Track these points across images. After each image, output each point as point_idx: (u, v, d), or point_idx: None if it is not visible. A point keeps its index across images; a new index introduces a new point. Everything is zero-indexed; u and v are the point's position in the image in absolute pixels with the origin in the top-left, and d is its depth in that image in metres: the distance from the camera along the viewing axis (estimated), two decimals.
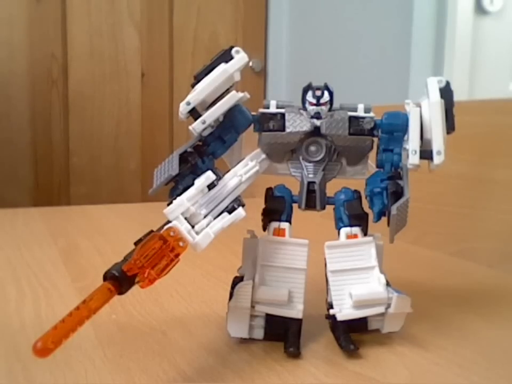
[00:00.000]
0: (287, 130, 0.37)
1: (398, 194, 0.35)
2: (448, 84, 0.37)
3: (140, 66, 1.31)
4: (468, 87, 0.92)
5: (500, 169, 0.61)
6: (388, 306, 0.36)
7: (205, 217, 0.33)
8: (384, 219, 0.36)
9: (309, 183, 0.37)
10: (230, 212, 0.34)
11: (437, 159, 0.36)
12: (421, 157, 0.36)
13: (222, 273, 0.55)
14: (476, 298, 0.50)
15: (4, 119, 1.20)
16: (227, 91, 0.36)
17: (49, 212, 1.00)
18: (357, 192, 0.38)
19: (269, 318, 0.36)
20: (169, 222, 0.32)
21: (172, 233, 0.31)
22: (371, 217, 0.37)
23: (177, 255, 0.30)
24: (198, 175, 0.34)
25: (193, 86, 0.36)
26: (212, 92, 0.35)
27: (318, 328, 0.39)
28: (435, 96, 0.36)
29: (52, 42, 1.23)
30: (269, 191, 0.39)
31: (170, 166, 0.34)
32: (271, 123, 0.38)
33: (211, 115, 0.35)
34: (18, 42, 1.19)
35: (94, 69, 1.27)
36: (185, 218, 0.32)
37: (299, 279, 0.36)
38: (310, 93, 0.37)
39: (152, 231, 0.32)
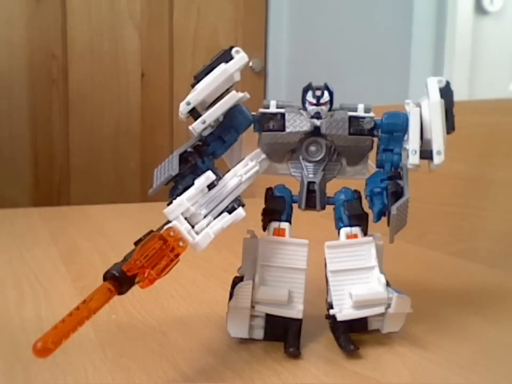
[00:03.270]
0: (287, 130, 0.37)
1: (398, 194, 0.35)
2: (448, 83, 0.37)
3: (140, 66, 1.31)
4: (467, 87, 0.92)
5: (500, 169, 0.61)
6: (388, 306, 0.36)
7: (205, 217, 0.33)
8: (384, 219, 0.36)
9: (309, 183, 0.37)
10: (230, 212, 0.34)
11: (437, 159, 0.36)
12: (421, 157, 0.36)
13: (222, 273, 0.55)
14: (476, 298, 0.50)
15: (4, 119, 1.20)
16: (227, 91, 0.36)
17: (49, 211, 1.00)
18: (357, 192, 0.38)
19: (269, 318, 0.36)
20: (169, 222, 0.32)
21: (171, 233, 0.31)
22: (371, 217, 0.37)
23: (177, 255, 0.30)
24: (198, 175, 0.34)
25: (193, 86, 0.36)
26: (211, 92, 0.35)
27: (318, 328, 0.39)
28: (435, 96, 0.36)
29: (52, 42, 1.23)
30: (269, 191, 0.39)
31: (170, 166, 0.34)
32: (271, 123, 0.38)
33: (211, 115, 0.35)
34: (18, 42, 1.19)
35: (94, 69, 1.27)
36: (185, 218, 0.32)
37: (299, 279, 0.36)
38: (310, 93, 0.37)
39: (152, 231, 0.32)
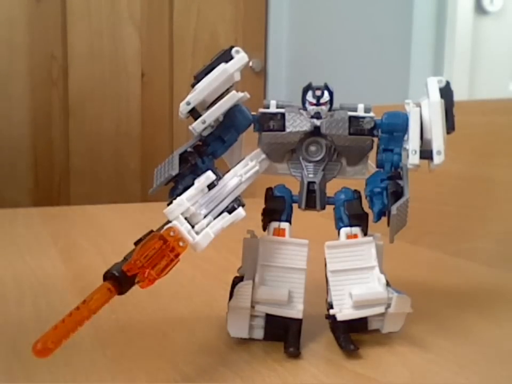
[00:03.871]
0: (287, 130, 0.37)
1: (398, 194, 0.35)
2: (448, 83, 0.37)
3: (140, 66, 1.31)
4: (467, 87, 0.92)
5: (500, 169, 0.61)
6: (388, 306, 0.36)
7: (205, 217, 0.33)
8: (384, 219, 0.36)
9: (309, 183, 0.37)
10: (230, 212, 0.34)
11: (437, 159, 0.36)
12: (421, 157, 0.36)
13: (222, 273, 0.55)
14: (476, 298, 0.50)
15: (4, 119, 1.20)
16: (227, 91, 0.36)
17: (49, 211, 1.00)
18: (357, 192, 0.38)
19: (269, 318, 0.36)
20: (169, 222, 0.32)
21: (172, 233, 0.31)
22: (371, 217, 0.37)
23: (177, 255, 0.30)
24: (198, 175, 0.34)
25: (193, 86, 0.36)
26: (211, 91, 0.35)
27: (318, 328, 0.39)
28: (435, 96, 0.36)
29: (52, 42, 1.23)
30: (269, 191, 0.39)
31: (170, 166, 0.34)
32: (271, 123, 0.38)
33: (211, 115, 0.35)
34: (18, 43, 1.19)
35: (94, 69, 1.27)
36: (185, 218, 0.32)
37: (299, 279, 0.36)
38: (310, 93, 0.37)
39: (152, 231, 0.32)
